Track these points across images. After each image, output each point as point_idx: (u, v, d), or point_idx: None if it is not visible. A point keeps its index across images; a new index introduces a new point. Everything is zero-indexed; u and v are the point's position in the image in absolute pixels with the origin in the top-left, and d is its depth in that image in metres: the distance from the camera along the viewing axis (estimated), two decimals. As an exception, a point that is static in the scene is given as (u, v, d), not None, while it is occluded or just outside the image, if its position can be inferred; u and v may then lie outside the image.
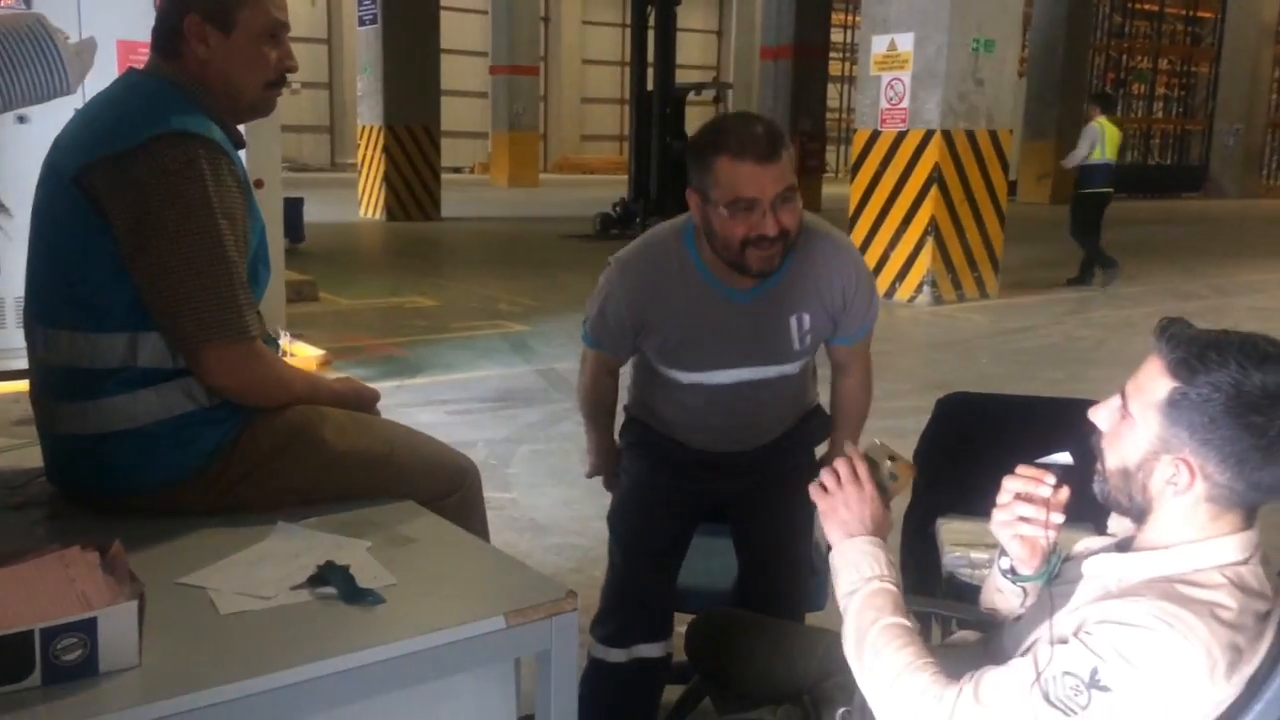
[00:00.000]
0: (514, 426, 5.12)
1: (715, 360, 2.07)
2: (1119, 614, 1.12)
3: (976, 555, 2.37)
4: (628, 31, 33.33)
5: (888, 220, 9.01)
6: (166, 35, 1.67)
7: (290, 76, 1.75)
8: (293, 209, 10.65)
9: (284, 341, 5.94)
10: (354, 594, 1.30)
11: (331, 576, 1.33)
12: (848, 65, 32.49)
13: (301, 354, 6.10)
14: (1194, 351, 1.14)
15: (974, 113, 8.79)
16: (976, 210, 9.02)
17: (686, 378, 2.11)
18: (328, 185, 22.04)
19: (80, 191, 1.53)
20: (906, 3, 8.74)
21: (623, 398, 2.38)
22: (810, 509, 2.26)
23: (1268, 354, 1.12)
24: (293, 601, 1.31)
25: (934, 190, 8.67)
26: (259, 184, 5.96)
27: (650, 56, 13.79)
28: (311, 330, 6.96)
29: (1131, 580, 1.22)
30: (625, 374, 2.33)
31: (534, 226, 15.48)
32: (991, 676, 1.17)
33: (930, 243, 8.75)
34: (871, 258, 9.16)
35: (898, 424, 5.45)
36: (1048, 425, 2.76)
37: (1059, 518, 1.41)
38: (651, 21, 13.69)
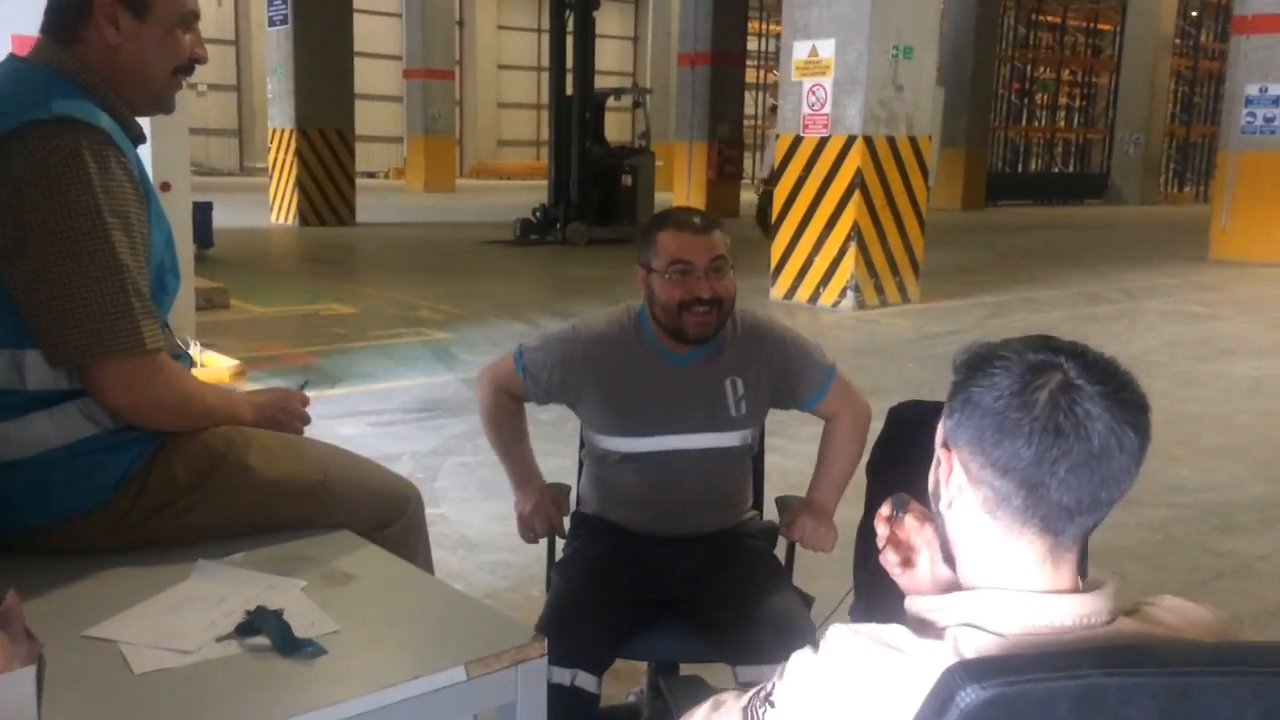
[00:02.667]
0: (440, 438, 4.94)
1: (654, 424, 2.12)
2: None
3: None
4: (543, 37, 33.27)
5: (811, 225, 9.02)
6: (65, 16, 1.50)
7: (197, 79, 1.59)
8: (201, 214, 10.27)
9: (194, 351, 5.67)
10: (290, 645, 1.15)
11: (263, 624, 1.18)
12: (763, 73, 32.78)
13: (213, 364, 5.84)
14: (973, 353, 1.05)
15: (895, 119, 8.84)
16: (898, 216, 9.07)
17: (628, 445, 2.15)
18: (237, 190, 21.44)
19: None
20: (827, 9, 8.76)
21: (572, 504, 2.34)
22: (778, 570, 2.18)
23: (1034, 339, 1.01)
24: (218, 655, 1.16)
25: (857, 196, 8.70)
26: (165, 187, 5.68)
27: (569, 61, 13.65)
28: (223, 339, 6.67)
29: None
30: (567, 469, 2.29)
31: (452, 232, 15.22)
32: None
33: (853, 248, 8.77)
34: (795, 263, 9.17)
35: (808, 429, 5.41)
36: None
37: (893, 555, 1.20)
38: (570, 26, 13.56)
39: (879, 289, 9.04)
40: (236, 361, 5.95)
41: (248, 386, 5.72)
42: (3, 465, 1.38)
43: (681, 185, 19.77)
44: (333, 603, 1.28)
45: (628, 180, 14.03)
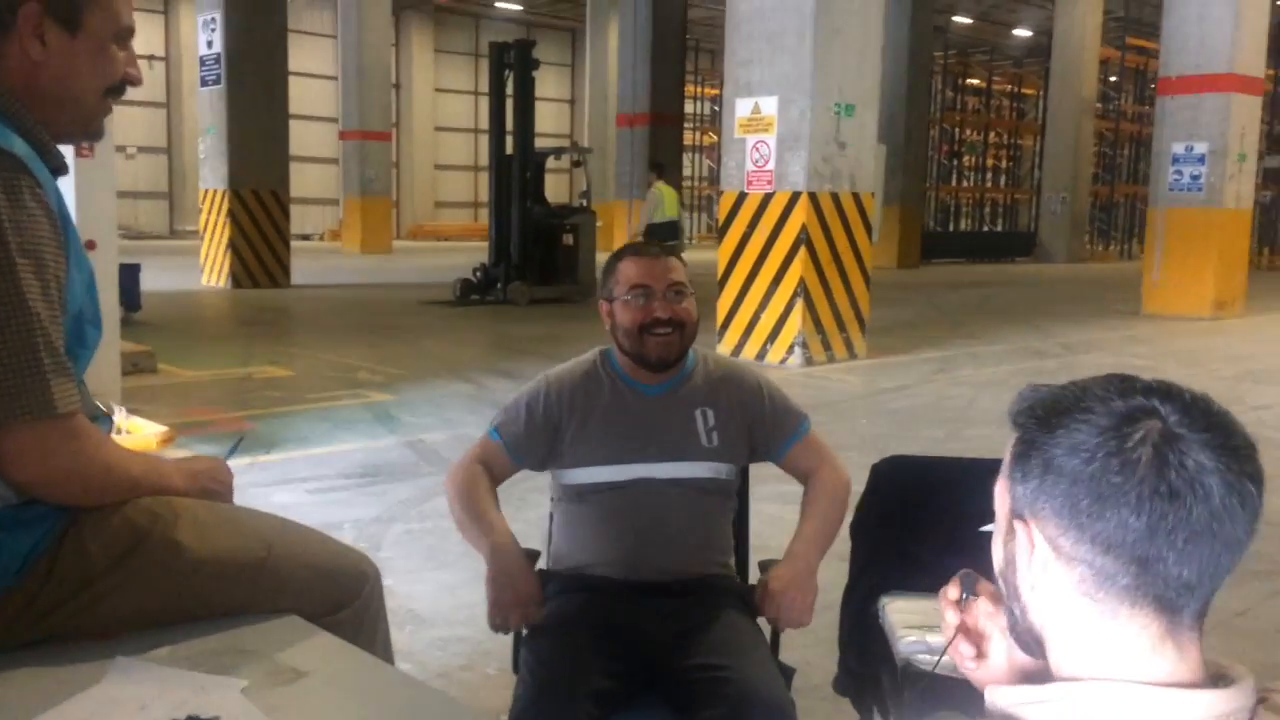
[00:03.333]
0: (383, 504, 4.68)
1: (625, 452, 2.07)
2: None
3: (935, 639, 2.11)
4: (480, 99, 33.46)
5: (757, 282, 8.95)
6: None
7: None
8: (128, 275, 9.92)
9: (119, 418, 5.36)
10: (228, 763, 0.95)
11: (195, 737, 0.97)
12: (699, 135, 33.15)
13: (138, 431, 5.53)
14: (1037, 402, 0.90)
15: (838, 175, 8.86)
16: (843, 272, 9.05)
17: (600, 475, 2.08)
18: (167, 253, 20.95)
19: None
20: (769, 67, 8.78)
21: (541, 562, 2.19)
22: (758, 641, 2.02)
23: (1113, 379, 0.88)
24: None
25: (802, 251, 8.66)
26: (90, 245, 5.41)
27: (509, 121, 13.58)
28: (150, 405, 6.35)
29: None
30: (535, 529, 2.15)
31: (391, 293, 14.95)
32: None
33: (800, 304, 8.71)
34: (741, 320, 9.09)
35: (789, 489, 5.24)
36: (990, 487, 2.59)
37: (964, 647, 1.03)
38: (509, 87, 13.51)
39: (826, 345, 8.98)
40: (164, 428, 5.64)
41: (176, 453, 5.41)
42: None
43: (621, 244, 19.74)
44: (279, 706, 1.07)
45: (569, 239, 13.92)
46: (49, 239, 1.21)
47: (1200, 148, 13.14)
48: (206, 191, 15.60)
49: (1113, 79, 31.18)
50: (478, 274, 13.82)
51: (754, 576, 2.25)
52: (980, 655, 1.01)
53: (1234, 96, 12.91)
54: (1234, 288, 13.61)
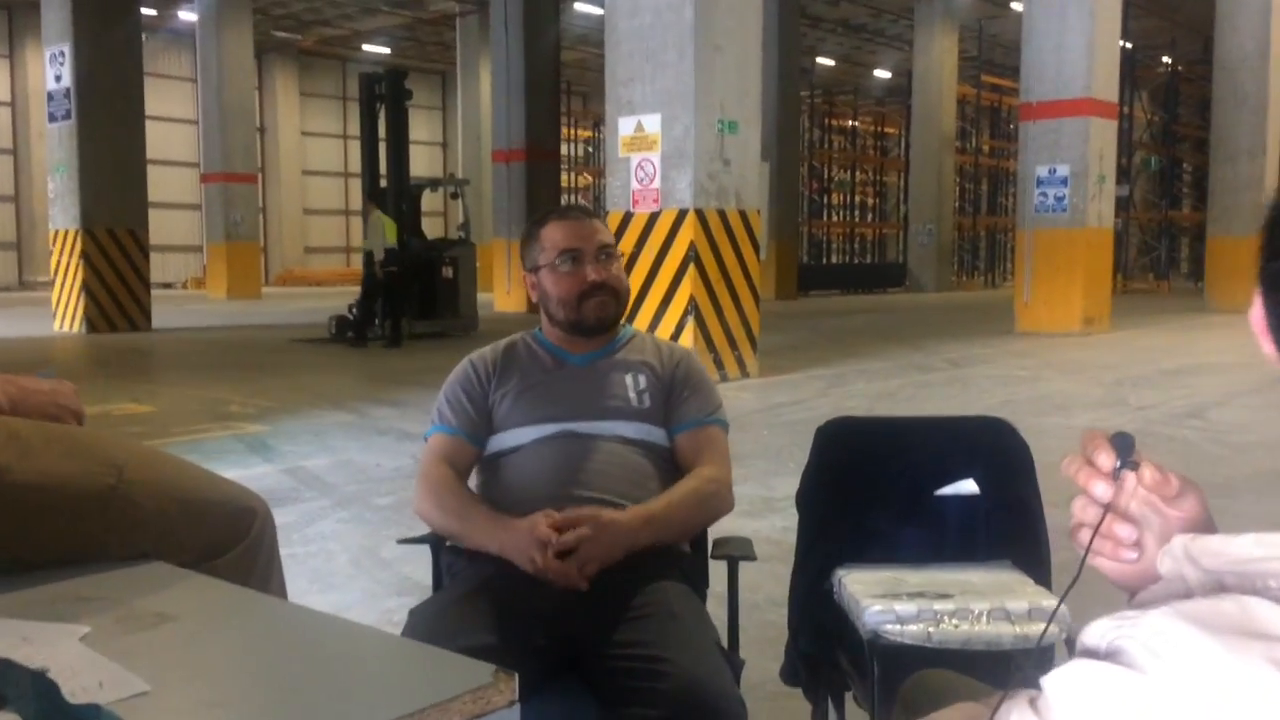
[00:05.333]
0: (261, 532, 4.27)
1: (557, 415, 1.92)
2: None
3: (904, 607, 1.89)
4: (349, 143, 32.77)
5: (646, 302, 8.77)
6: None
7: None
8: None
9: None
10: (59, 717, 0.64)
11: (9, 692, 0.66)
12: (574, 176, 33.13)
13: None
14: None
15: (724, 192, 8.77)
16: (733, 289, 8.95)
17: (528, 434, 1.91)
18: (16, 304, 19.70)
19: None
20: (651, 84, 8.68)
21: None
22: (702, 624, 1.76)
23: None
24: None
25: (691, 269, 8.53)
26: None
27: (382, 155, 13.18)
28: None
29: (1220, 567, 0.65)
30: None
31: (262, 333, 14.27)
32: None
33: (691, 322, 8.56)
34: (632, 342, 8.87)
35: (749, 469, 5.03)
36: (942, 445, 2.38)
37: (1124, 531, 0.80)
38: (382, 118, 13.13)
39: (719, 363, 8.83)
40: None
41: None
42: None
43: (501, 282, 19.40)
44: (139, 653, 0.77)
45: (449, 272, 13.54)
46: None
47: (1063, 170, 13.60)
48: (57, 232, 14.68)
49: (970, 116, 32.41)
50: (353, 310, 13.30)
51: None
52: (1138, 545, 0.78)
53: (1092, 120, 13.42)
54: (1100, 304, 14.07)
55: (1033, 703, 0.58)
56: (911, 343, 12.77)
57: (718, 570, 2.04)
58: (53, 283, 14.99)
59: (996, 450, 2.22)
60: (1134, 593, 0.81)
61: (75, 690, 0.67)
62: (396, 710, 0.64)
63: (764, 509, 4.49)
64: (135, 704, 0.67)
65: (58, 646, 0.76)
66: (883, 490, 2.20)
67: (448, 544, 1.88)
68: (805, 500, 2.25)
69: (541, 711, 1.60)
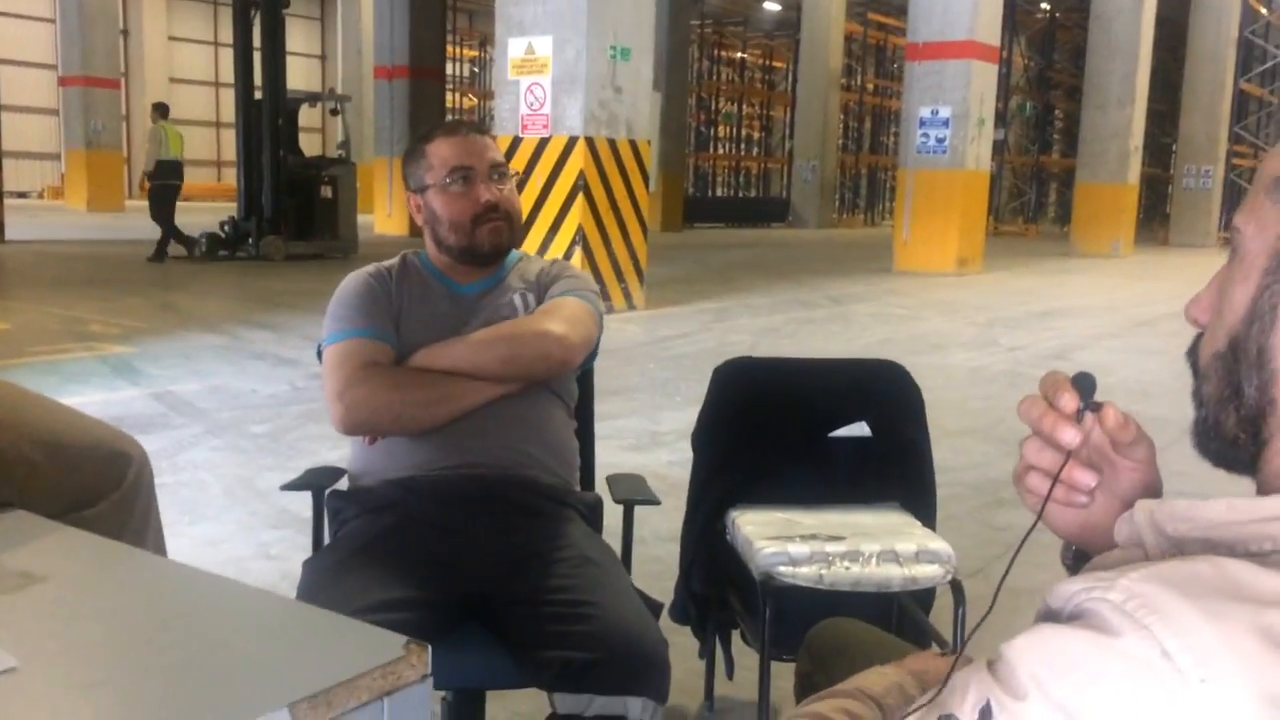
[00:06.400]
0: (127, 460, 4.08)
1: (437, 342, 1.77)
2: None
3: (796, 549, 1.91)
4: (221, 50, 31.21)
5: (533, 230, 8.63)
6: None
7: None
8: None
9: None
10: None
11: None
12: (459, 97, 32.29)
13: None
14: None
15: (615, 121, 8.65)
16: (621, 221, 8.88)
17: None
18: None
19: None
20: (542, 5, 8.45)
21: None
22: (613, 564, 1.70)
23: None
24: None
25: (580, 199, 8.42)
26: None
27: (256, 66, 12.56)
28: None
29: (1187, 533, 0.65)
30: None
31: (127, 249, 13.56)
32: None
33: (578, 252, 8.47)
34: (518, 270, 8.74)
35: (595, 428, 4.99)
36: (837, 388, 2.39)
37: (1085, 477, 0.79)
38: (257, 26, 12.49)
39: (605, 295, 8.78)
40: None
41: None
42: None
43: (383, 203, 18.88)
44: (2, 621, 0.69)
45: (328, 192, 13.09)
46: None
47: (945, 111, 13.84)
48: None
49: (857, 54, 32.67)
50: (226, 228, 12.78)
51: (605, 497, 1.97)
52: (1094, 486, 0.76)
53: (973, 63, 13.65)
54: (975, 245, 14.48)
55: (991, 667, 0.56)
56: (794, 278, 12.94)
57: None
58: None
59: (889, 393, 2.24)
60: (1072, 544, 0.80)
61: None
62: (298, 690, 0.58)
63: (650, 443, 4.50)
64: (2, 682, 0.60)
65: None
66: (778, 431, 2.21)
67: (332, 491, 1.78)
68: (700, 439, 2.24)
69: (452, 663, 1.55)
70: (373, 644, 0.67)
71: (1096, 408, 0.76)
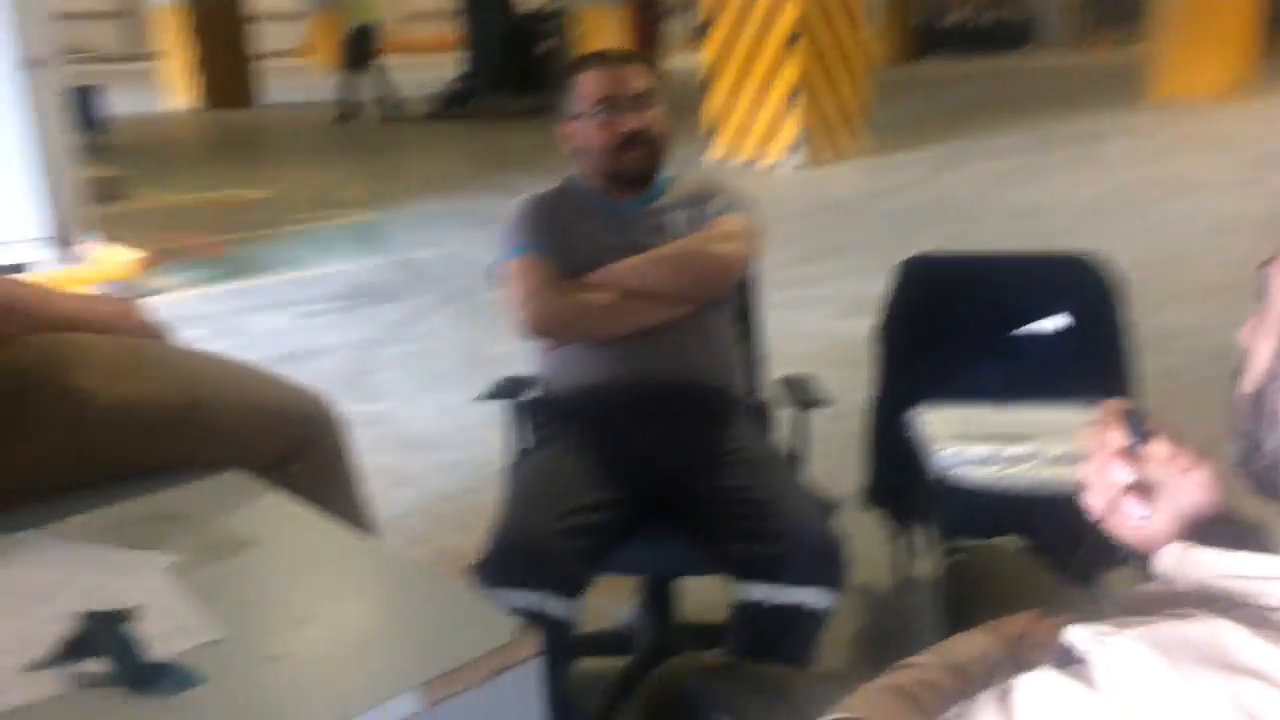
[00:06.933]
0: (374, 326, 4.46)
1: (599, 262, 1.90)
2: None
3: (975, 450, 1.92)
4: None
5: (749, 82, 8.43)
6: None
7: None
8: (87, 98, 9.36)
9: (88, 248, 5.06)
10: (142, 676, 0.73)
11: (98, 642, 0.75)
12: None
13: (116, 259, 5.22)
14: None
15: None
16: (844, 61, 8.54)
17: None
18: (127, 76, 20.03)
19: None
20: None
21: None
22: (783, 465, 1.81)
23: None
24: (29, 699, 0.72)
25: (802, 43, 8.13)
26: (37, 64, 5.00)
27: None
28: (125, 231, 6.01)
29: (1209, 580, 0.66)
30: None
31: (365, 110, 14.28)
32: None
33: (801, 100, 8.24)
34: (735, 121, 8.62)
35: (802, 293, 4.98)
36: (1027, 282, 2.33)
37: (1137, 507, 0.79)
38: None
39: (829, 143, 8.57)
40: (143, 254, 5.32)
41: (155, 283, 5.16)
42: None
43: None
44: (215, 589, 0.85)
45: (549, 45, 13.19)
46: None
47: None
48: (160, 9, 14.72)
49: None
50: (455, 86, 13.18)
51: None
52: (1149, 513, 0.79)
53: None
54: (1246, 66, 13.00)
55: (1003, 699, 0.62)
56: (1034, 114, 12.10)
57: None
58: (162, 58, 15.17)
59: (1085, 287, 2.16)
60: (1145, 553, 0.82)
61: (160, 640, 0.75)
62: (429, 669, 0.70)
63: (854, 310, 4.39)
64: (208, 654, 0.75)
65: (144, 582, 0.84)
66: (965, 327, 2.18)
67: (524, 401, 1.95)
68: (883, 335, 2.25)
69: (643, 554, 1.73)
70: (490, 621, 0.79)
71: (1146, 439, 0.78)
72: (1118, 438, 0.79)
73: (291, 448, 1.15)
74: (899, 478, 2.25)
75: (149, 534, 0.94)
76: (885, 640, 2.27)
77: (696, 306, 1.87)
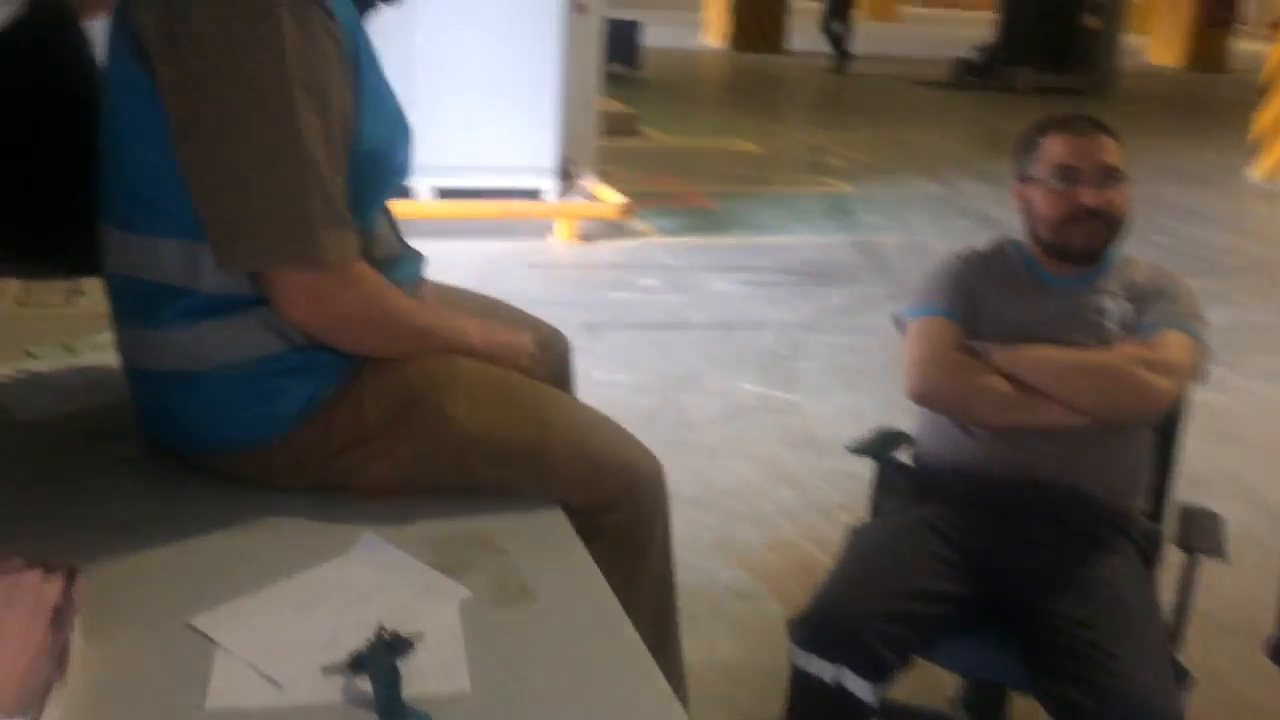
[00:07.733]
0: (813, 308, 4.54)
1: (1020, 335, 1.75)
2: None
3: None
4: None
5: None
6: None
7: None
8: (623, 32, 10.25)
9: (586, 183, 5.61)
10: (392, 709, 0.85)
11: (374, 665, 0.89)
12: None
13: (605, 198, 5.77)
14: None
15: None
16: None
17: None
18: (668, 6, 21.40)
19: (134, 43, 1.11)
20: None
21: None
22: (1151, 616, 1.59)
23: None
24: (312, 702, 0.88)
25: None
26: (580, 8, 5.56)
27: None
28: (622, 169, 6.59)
29: None
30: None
31: (883, 67, 14.23)
32: None
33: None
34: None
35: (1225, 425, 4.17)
36: None
37: None
38: None
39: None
40: (625, 199, 5.83)
41: (634, 225, 5.61)
42: (176, 376, 1.18)
43: (1160, 30, 17.13)
44: (486, 637, 0.96)
45: (1091, 20, 12.26)
46: (335, 77, 1.10)
47: None
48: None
49: None
50: (978, 53, 12.72)
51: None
52: None
53: None
54: None
55: None
56: None
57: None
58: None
59: None
60: None
61: (418, 676, 0.87)
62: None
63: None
64: (451, 707, 0.86)
65: (438, 611, 0.97)
66: None
67: (888, 461, 1.90)
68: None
69: (972, 655, 1.65)
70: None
71: None
72: None
73: (612, 499, 1.25)
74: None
75: (459, 558, 1.07)
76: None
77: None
